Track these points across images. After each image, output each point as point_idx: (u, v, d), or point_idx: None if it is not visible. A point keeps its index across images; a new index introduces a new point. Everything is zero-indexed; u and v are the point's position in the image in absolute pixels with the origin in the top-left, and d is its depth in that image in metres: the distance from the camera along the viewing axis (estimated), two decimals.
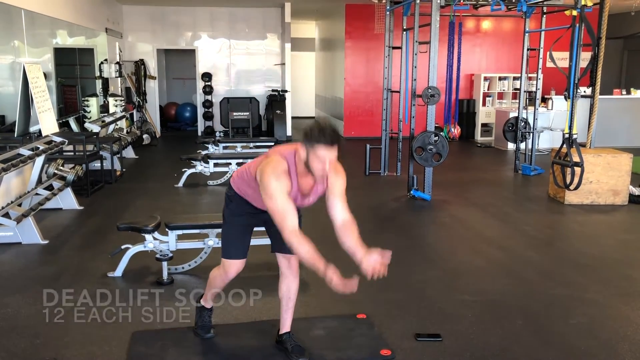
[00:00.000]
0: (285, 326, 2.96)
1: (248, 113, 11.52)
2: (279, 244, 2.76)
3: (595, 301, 3.70)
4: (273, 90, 12.19)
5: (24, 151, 5.18)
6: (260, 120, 12.35)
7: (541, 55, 8.09)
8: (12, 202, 5.04)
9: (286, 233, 2.49)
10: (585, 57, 6.72)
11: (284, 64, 12.13)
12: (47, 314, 3.44)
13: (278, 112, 11.59)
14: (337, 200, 2.65)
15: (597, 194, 6.23)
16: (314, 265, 2.47)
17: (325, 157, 2.47)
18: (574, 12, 6.21)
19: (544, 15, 8.11)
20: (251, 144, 8.35)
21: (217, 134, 12.17)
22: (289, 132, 11.72)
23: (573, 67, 6.13)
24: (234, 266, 2.86)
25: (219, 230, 4.03)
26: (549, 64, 10.01)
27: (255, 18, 12.41)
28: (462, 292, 3.84)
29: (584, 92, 8.27)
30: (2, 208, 4.84)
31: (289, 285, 2.89)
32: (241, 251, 2.86)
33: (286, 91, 11.81)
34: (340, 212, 2.64)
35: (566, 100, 6.29)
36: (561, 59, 9.68)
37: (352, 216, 2.66)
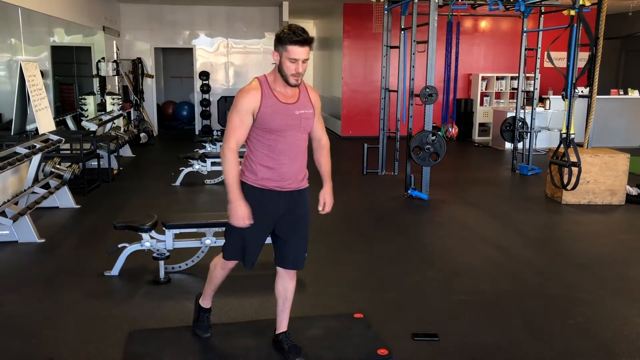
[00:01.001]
0: (282, 326, 2.96)
1: None
2: (280, 258, 2.83)
3: (592, 301, 3.71)
4: None
5: (21, 149, 5.16)
6: None
7: (539, 55, 8.09)
8: (8, 201, 5.02)
9: (224, 147, 2.61)
10: (582, 57, 6.73)
11: None
12: (43, 313, 3.44)
13: None
14: (316, 122, 2.77)
15: (594, 194, 6.24)
16: (228, 188, 2.61)
17: (297, 55, 2.51)
18: (572, 12, 6.21)
19: (542, 15, 8.11)
20: None
21: (215, 132, 12.16)
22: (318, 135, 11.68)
23: (571, 67, 6.13)
24: (226, 266, 2.90)
25: (216, 229, 4.03)
26: (547, 64, 10.04)
27: (253, 17, 12.39)
28: (459, 291, 3.84)
29: (582, 92, 8.27)
30: None
31: (285, 285, 2.88)
32: (239, 254, 2.82)
33: None
34: (318, 132, 2.80)
35: (564, 100, 6.29)
36: (559, 59, 9.71)
37: (327, 139, 2.87)
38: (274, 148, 2.63)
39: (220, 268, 2.92)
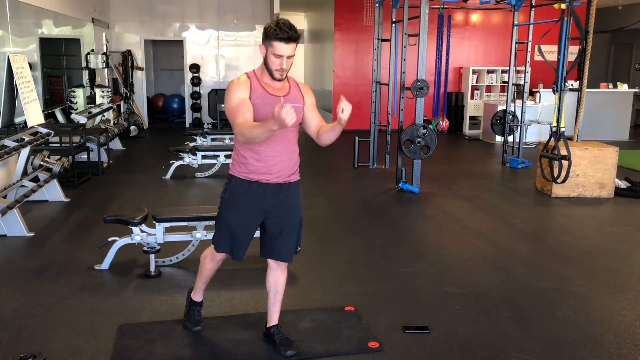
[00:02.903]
0: (273, 319, 2.96)
1: None
2: (268, 249, 2.83)
3: (580, 293, 3.74)
4: None
5: (9, 142, 5.12)
6: None
7: (529, 49, 8.12)
8: None
9: (235, 130, 2.53)
10: (573, 50, 6.76)
11: None
12: (33, 307, 3.42)
13: None
14: (313, 115, 2.76)
15: (583, 187, 6.28)
16: (264, 128, 2.36)
17: (281, 52, 2.52)
18: (563, 6, 6.23)
19: (533, 9, 8.13)
20: None
21: (205, 125, 12.12)
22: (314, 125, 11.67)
23: (561, 60, 6.16)
24: (217, 255, 2.89)
25: (207, 222, 4.02)
26: (537, 57, 10.08)
27: (244, 9, 12.32)
28: (450, 284, 3.86)
29: (572, 85, 8.32)
30: None
31: (276, 278, 2.89)
32: (228, 246, 2.82)
33: None
34: (317, 123, 2.75)
35: (554, 93, 6.32)
36: (549, 52, 9.74)
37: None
38: (266, 138, 2.58)
39: (209, 260, 2.92)
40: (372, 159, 8.01)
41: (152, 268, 3.94)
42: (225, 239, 2.80)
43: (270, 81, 2.64)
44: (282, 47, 2.51)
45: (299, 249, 2.91)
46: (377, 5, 7.80)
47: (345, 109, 2.42)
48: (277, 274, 2.88)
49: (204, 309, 3.16)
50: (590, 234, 5.14)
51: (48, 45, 8.44)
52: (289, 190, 2.76)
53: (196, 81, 12.28)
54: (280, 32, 2.49)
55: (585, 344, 3.05)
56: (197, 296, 3.10)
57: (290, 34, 2.49)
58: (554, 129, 6.14)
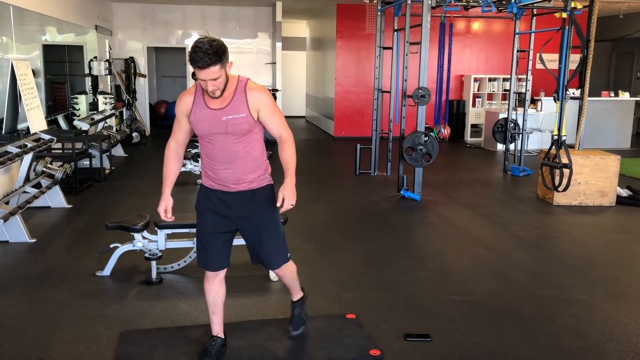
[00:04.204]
0: (292, 296, 3.13)
1: None
2: (254, 256, 2.89)
3: (582, 302, 3.73)
4: None
5: (12, 149, 5.13)
6: None
7: (531, 57, 8.13)
8: None
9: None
10: (574, 59, 6.77)
11: (274, 63, 12.11)
12: (34, 313, 3.42)
13: None
14: (268, 121, 2.67)
15: (585, 195, 6.28)
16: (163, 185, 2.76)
17: (201, 77, 2.41)
18: (564, 15, 6.25)
19: (534, 17, 8.16)
20: None
21: None
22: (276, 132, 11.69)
23: (562, 69, 6.17)
24: (207, 276, 2.82)
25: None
26: (539, 66, 10.11)
27: (247, 17, 12.37)
28: (452, 292, 3.85)
29: (573, 93, 8.34)
30: None
31: (278, 274, 2.99)
32: (203, 257, 2.78)
33: (277, 90, 11.79)
34: (275, 131, 2.70)
35: (555, 101, 6.33)
36: (550, 60, 9.77)
37: (289, 134, 2.73)
38: (209, 154, 2.67)
39: (204, 282, 2.84)
40: (373, 166, 8.01)
41: (154, 275, 3.94)
42: (201, 250, 2.78)
43: None
44: (200, 74, 2.40)
45: (282, 254, 2.85)
46: (379, 13, 7.83)
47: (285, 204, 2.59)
48: (277, 272, 2.96)
49: (204, 316, 3.13)
50: (592, 242, 5.14)
51: (51, 52, 8.49)
52: (257, 197, 2.71)
53: None
54: (192, 60, 2.37)
55: (587, 353, 3.04)
56: (212, 328, 2.93)
57: (201, 63, 2.35)
58: (556, 137, 6.14)
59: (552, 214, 6.08)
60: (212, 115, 2.56)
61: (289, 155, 2.68)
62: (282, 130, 2.70)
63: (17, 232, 4.77)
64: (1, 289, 3.79)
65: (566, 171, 5.96)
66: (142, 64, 12.17)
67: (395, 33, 7.60)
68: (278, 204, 2.60)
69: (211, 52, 2.36)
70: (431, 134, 6.50)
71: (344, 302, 3.65)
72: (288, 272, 2.98)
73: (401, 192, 6.60)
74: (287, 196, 2.58)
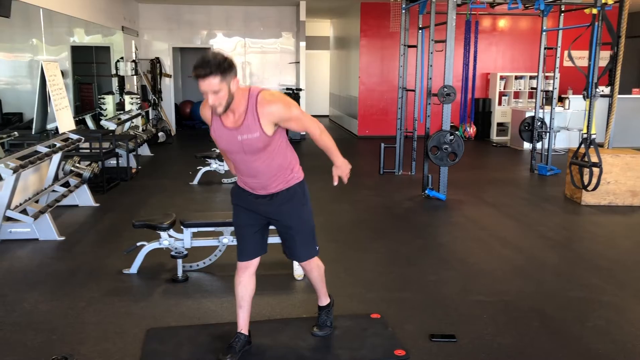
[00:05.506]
0: (319, 301, 3.16)
1: None
2: (285, 250, 2.97)
3: (612, 304, 3.65)
4: (287, 89, 12.19)
5: (42, 148, 5.23)
6: None
7: (558, 55, 8.00)
8: (29, 199, 5.10)
9: None
10: (604, 56, 6.64)
11: (298, 62, 12.13)
12: (64, 309, 3.48)
13: None
14: (290, 127, 2.65)
15: (614, 195, 6.16)
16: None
17: (202, 88, 2.41)
18: (594, 11, 6.13)
19: (562, 14, 8.02)
20: None
21: None
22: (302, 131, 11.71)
23: (592, 66, 6.06)
24: (238, 268, 2.90)
25: (234, 228, 4.04)
26: (567, 63, 9.93)
27: (270, 16, 12.42)
28: (477, 292, 3.81)
29: (603, 91, 8.18)
30: (20, 205, 4.90)
31: (305, 270, 3.03)
32: (244, 254, 2.87)
33: (300, 89, 11.81)
34: (300, 131, 2.75)
35: (585, 99, 6.21)
36: (578, 58, 9.58)
37: (315, 127, 2.71)
38: (234, 165, 2.76)
39: (235, 275, 2.91)
40: (397, 165, 7.97)
41: (180, 273, 3.98)
42: (237, 241, 2.93)
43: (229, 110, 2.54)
44: (200, 84, 2.39)
45: (310, 248, 2.92)
46: (403, 11, 7.78)
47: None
48: (304, 267, 3.00)
49: (230, 314, 3.15)
50: (622, 242, 5.03)
51: (79, 53, 8.63)
52: (283, 197, 2.76)
53: None
54: (194, 68, 2.38)
55: (617, 356, 2.97)
56: (238, 323, 2.95)
57: (200, 71, 2.36)
58: (585, 135, 6.03)
59: (580, 214, 5.97)
60: (229, 134, 2.59)
61: (324, 142, 2.75)
62: (308, 128, 2.71)
63: (46, 230, 4.86)
64: (32, 286, 3.87)
65: (596, 170, 5.85)
66: (168, 64, 12.30)
67: (420, 31, 7.54)
68: (334, 183, 2.79)
69: (213, 63, 2.36)
70: (457, 132, 6.43)
71: (368, 302, 3.64)
72: (316, 269, 3.00)
73: (426, 191, 6.55)
74: (342, 173, 2.80)
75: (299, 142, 10.95)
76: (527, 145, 9.69)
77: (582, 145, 6.06)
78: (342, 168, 2.79)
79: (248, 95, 2.54)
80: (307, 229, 2.87)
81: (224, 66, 2.38)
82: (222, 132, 2.60)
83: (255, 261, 2.89)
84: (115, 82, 9.51)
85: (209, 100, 2.43)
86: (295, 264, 3.93)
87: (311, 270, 2.99)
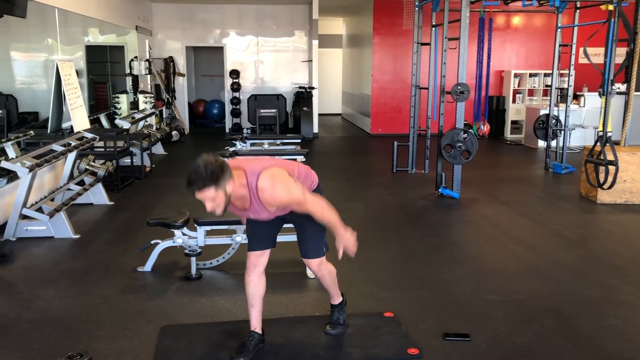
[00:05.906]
0: (331, 300, 3.20)
1: (275, 110, 11.57)
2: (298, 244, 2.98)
3: (628, 303, 3.61)
4: (300, 87, 12.21)
5: (57, 147, 5.29)
6: (287, 117, 12.39)
7: (573, 52, 7.92)
8: (45, 197, 5.15)
9: None
10: (619, 53, 6.56)
11: (311, 60, 12.13)
12: (79, 307, 3.51)
13: (305, 109, 11.61)
14: (295, 209, 2.70)
15: (631, 193, 6.09)
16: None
17: (198, 197, 2.46)
18: (610, 7, 6.06)
19: (577, 10, 7.94)
20: (278, 141, 8.37)
21: (245, 130, 12.24)
22: (315, 129, 11.73)
23: (608, 63, 5.99)
24: (248, 257, 2.92)
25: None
26: (582, 60, 9.83)
27: (283, 15, 12.44)
28: (491, 291, 3.79)
29: (619, 88, 8.08)
30: (36, 203, 4.96)
31: (312, 271, 3.04)
32: (254, 242, 2.91)
33: (313, 88, 11.81)
34: (313, 215, 2.68)
35: (600, 97, 6.15)
36: (594, 54, 9.47)
37: (314, 206, 2.65)
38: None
39: (245, 274, 2.92)
40: (411, 163, 7.94)
41: (194, 271, 4.00)
42: (248, 234, 2.95)
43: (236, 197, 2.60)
44: (196, 194, 2.45)
45: (318, 249, 2.94)
46: (416, 9, 7.75)
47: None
48: (310, 268, 3.02)
49: (242, 312, 3.16)
50: (638, 241, 4.97)
51: (94, 53, 8.70)
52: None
53: (236, 87, 12.44)
54: (187, 182, 2.44)
55: (633, 356, 2.94)
56: (250, 322, 2.97)
57: (195, 186, 2.41)
58: (601, 133, 5.97)
59: (595, 212, 5.91)
60: (241, 213, 2.76)
61: (327, 220, 2.69)
62: (309, 210, 2.66)
63: (61, 228, 4.91)
64: (48, 283, 3.91)
65: (612, 168, 5.79)
66: (181, 64, 12.37)
67: (433, 29, 7.51)
68: (339, 257, 2.72)
69: (206, 176, 2.39)
70: (470, 130, 6.39)
71: (381, 300, 3.63)
72: (327, 273, 3.01)
73: (439, 189, 6.52)
74: (347, 243, 2.70)
75: (312, 141, 10.96)
76: (541, 143, 9.60)
77: (598, 143, 6.00)
78: (346, 238, 2.68)
79: (247, 185, 2.57)
80: (320, 232, 2.91)
81: (216, 175, 2.40)
82: (235, 209, 2.72)
83: (264, 259, 2.90)
84: (129, 81, 9.58)
85: (207, 207, 2.46)
86: None
87: (323, 276, 3.02)
